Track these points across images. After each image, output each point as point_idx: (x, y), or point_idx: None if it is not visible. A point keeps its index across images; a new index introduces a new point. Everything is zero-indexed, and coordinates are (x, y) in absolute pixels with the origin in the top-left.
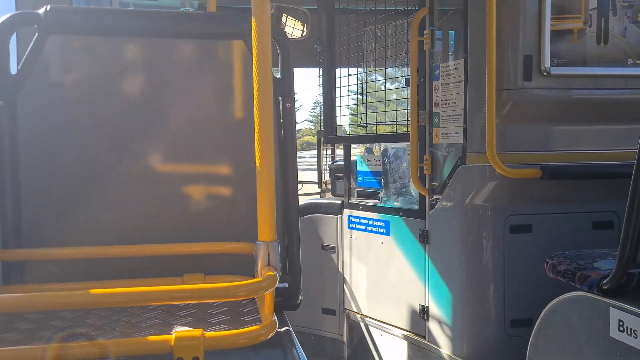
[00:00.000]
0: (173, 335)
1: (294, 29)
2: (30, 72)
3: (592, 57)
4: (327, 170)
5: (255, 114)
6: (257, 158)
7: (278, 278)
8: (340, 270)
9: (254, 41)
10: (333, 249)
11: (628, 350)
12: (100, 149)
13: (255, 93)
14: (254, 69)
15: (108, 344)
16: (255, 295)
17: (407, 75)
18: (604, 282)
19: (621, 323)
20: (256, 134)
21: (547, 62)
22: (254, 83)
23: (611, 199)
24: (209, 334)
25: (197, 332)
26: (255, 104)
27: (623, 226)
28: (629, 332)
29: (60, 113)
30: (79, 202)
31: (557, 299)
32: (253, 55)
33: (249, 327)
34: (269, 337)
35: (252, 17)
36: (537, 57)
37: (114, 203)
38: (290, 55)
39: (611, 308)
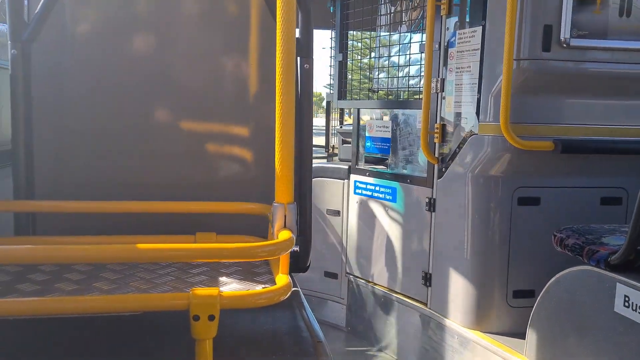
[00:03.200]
0: (190, 293)
1: None
2: (45, 21)
3: (614, 30)
4: (335, 134)
5: (277, 74)
6: (277, 119)
7: (295, 240)
8: (344, 234)
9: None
10: (338, 213)
11: (632, 325)
12: (114, 103)
13: (278, 53)
14: (277, 28)
15: (126, 299)
16: (273, 257)
17: (422, 41)
18: (613, 257)
19: (627, 299)
20: (277, 95)
21: (567, 33)
22: (277, 42)
23: (621, 175)
24: (225, 293)
25: (214, 290)
26: (277, 64)
27: (637, 202)
28: (634, 308)
29: (73, 64)
30: (91, 156)
31: (562, 272)
32: (277, 15)
33: (263, 287)
34: (284, 298)
35: None
36: (557, 27)
37: (125, 159)
38: (311, 14)
39: (617, 283)
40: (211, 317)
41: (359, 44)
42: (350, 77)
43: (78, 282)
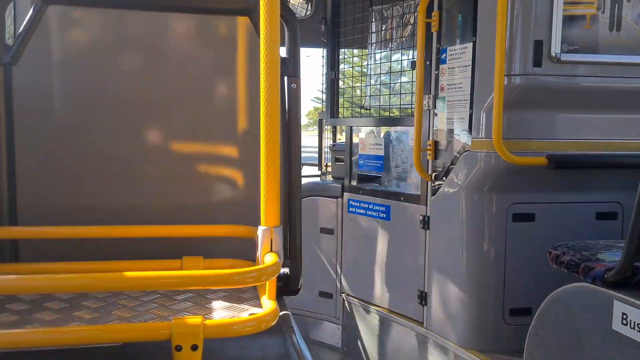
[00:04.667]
0: (172, 322)
1: (298, 7)
2: (27, 42)
3: (604, 44)
4: (327, 152)
5: (261, 95)
6: (262, 141)
7: (281, 264)
8: (338, 253)
9: (262, 18)
10: (332, 232)
11: (630, 343)
12: (98, 126)
13: (262, 73)
14: (261, 47)
15: (105, 330)
16: (259, 283)
17: (412, 58)
18: (609, 274)
19: (624, 316)
20: (262, 117)
21: (557, 48)
22: (261, 62)
23: (616, 190)
24: (209, 321)
25: (197, 319)
26: (262, 84)
27: (632, 218)
28: (632, 326)
29: (58, 87)
30: (75, 180)
31: (559, 290)
32: (261, 33)
33: (249, 314)
34: (270, 325)
35: None
36: (547, 42)
37: (111, 182)
38: (297, 33)
39: (615, 301)
40: (194, 347)
41: (350, 63)
42: (342, 96)
43: (59, 312)
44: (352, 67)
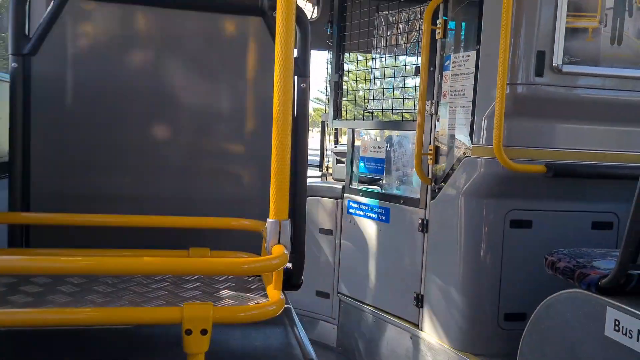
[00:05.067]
0: (183, 307)
1: (304, 9)
2: (46, 36)
3: (605, 57)
4: (329, 154)
5: (275, 94)
6: (273, 137)
7: (288, 257)
8: (336, 254)
9: (278, 19)
10: (331, 232)
11: (622, 349)
12: (111, 118)
13: (276, 73)
14: (276, 48)
15: (118, 312)
16: (267, 272)
17: (417, 64)
18: (603, 281)
19: (617, 322)
20: (275, 113)
21: (559, 59)
22: (276, 62)
23: (612, 200)
24: (219, 307)
25: (207, 305)
26: (275, 83)
27: (627, 227)
28: (624, 332)
29: (74, 78)
30: (88, 170)
31: (553, 295)
32: (277, 34)
33: (256, 303)
34: (277, 313)
35: None
36: (550, 53)
37: (122, 172)
38: (309, 35)
39: (608, 307)
40: (204, 332)
41: (355, 66)
42: (345, 98)
43: (71, 295)
44: (357, 70)
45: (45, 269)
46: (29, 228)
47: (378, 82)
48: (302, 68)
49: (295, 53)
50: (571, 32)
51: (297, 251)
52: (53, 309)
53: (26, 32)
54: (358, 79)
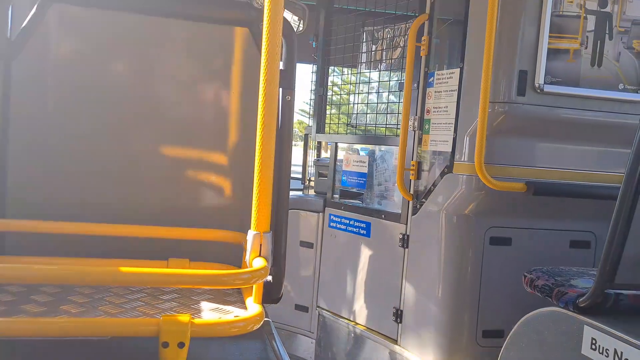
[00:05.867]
0: (160, 319)
1: (291, 22)
2: (29, 39)
3: (585, 79)
4: (311, 166)
5: (260, 105)
6: (257, 148)
7: (269, 269)
8: (316, 267)
9: (265, 30)
10: (311, 245)
11: None
12: (92, 125)
13: (261, 84)
14: (262, 60)
15: (94, 323)
16: (247, 285)
17: (401, 80)
18: (581, 299)
19: (594, 341)
20: (259, 125)
21: (541, 79)
22: (262, 73)
23: (590, 220)
24: (197, 320)
25: (185, 317)
26: (261, 95)
27: (604, 247)
28: (600, 351)
29: (55, 84)
30: (67, 177)
31: (531, 313)
32: (262, 46)
33: (235, 316)
34: (256, 327)
35: (265, 6)
36: (532, 73)
37: (102, 181)
38: (295, 47)
39: (585, 326)
40: (181, 345)
41: (340, 79)
42: (329, 112)
43: (45, 304)
44: (341, 84)
45: (19, 277)
46: (4, 235)
47: (362, 97)
48: (287, 80)
49: (281, 65)
50: (553, 53)
51: (278, 264)
52: (25, 319)
53: (8, 35)
54: (342, 93)
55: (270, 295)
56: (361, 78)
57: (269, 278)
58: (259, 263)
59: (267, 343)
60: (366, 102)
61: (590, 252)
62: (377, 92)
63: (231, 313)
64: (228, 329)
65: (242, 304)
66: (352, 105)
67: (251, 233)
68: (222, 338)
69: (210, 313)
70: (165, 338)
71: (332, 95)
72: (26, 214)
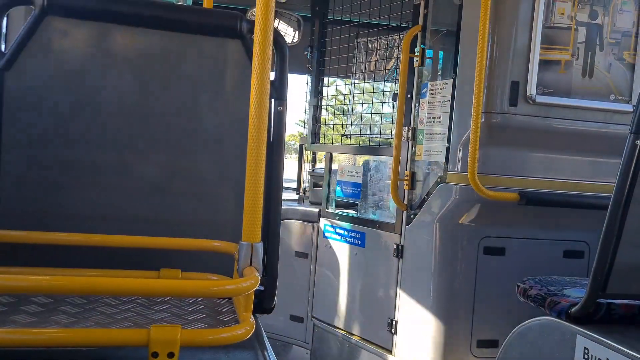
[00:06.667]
0: (150, 329)
1: (285, 34)
2: (22, 50)
3: (577, 89)
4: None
5: (250, 116)
6: (248, 158)
7: (260, 279)
8: (311, 278)
9: (256, 42)
10: (306, 256)
11: None
12: (85, 136)
13: (252, 95)
14: (252, 70)
15: (83, 333)
16: (237, 295)
17: (394, 90)
18: (573, 309)
19: (586, 351)
20: (250, 135)
21: (533, 89)
22: (252, 85)
23: (583, 229)
24: (187, 330)
25: (175, 327)
26: (251, 106)
27: (596, 257)
28: None
29: (48, 96)
30: (58, 187)
31: (525, 323)
32: (253, 57)
33: (226, 326)
34: (247, 337)
35: (256, 18)
36: (524, 84)
37: (94, 192)
38: (287, 58)
39: (577, 335)
40: (170, 355)
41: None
42: (324, 122)
43: (35, 315)
44: (336, 95)
45: (9, 288)
46: None
47: (356, 107)
48: (279, 91)
49: (272, 76)
50: (545, 64)
51: (271, 275)
52: (14, 329)
53: (2, 47)
54: (337, 103)
55: (263, 305)
56: (355, 89)
57: (262, 288)
58: (249, 273)
59: (259, 353)
60: (360, 112)
61: (584, 261)
62: (372, 103)
63: (222, 323)
64: (218, 338)
65: (233, 314)
66: (346, 115)
67: (242, 243)
68: (212, 348)
69: (201, 323)
70: (154, 348)
71: (327, 105)
72: (18, 225)
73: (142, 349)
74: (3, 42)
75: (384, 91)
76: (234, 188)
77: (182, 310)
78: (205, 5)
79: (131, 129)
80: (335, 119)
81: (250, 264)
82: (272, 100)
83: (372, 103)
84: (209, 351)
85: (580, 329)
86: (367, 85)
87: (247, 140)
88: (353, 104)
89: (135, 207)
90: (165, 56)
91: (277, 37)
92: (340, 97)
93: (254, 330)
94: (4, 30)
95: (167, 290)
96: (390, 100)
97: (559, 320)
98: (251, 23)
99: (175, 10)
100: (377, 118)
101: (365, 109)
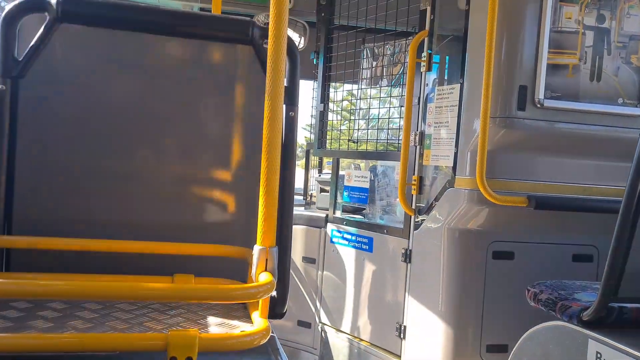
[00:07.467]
0: (168, 334)
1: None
2: (36, 58)
3: (585, 93)
4: (313, 182)
5: (265, 122)
6: (262, 164)
7: (275, 284)
8: (319, 283)
9: (270, 48)
10: (313, 261)
11: None
12: (98, 142)
13: (266, 101)
14: (267, 77)
15: (102, 338)
16: (255, 299)
17: (401, 95)
18: (585, 313)
19: (599, 355)
20: (264, 141)
21: (541, 94)
22: (267, 92)
23: (592, 233)
24: (205, 335)
25: (194, 332)
26: (265, 112)
27: (607, 261)
28: None
29: (62, 102)
30: (72, 194)
31: (535, 327)
32: (267, 64)
33: (241, 331)
34: (263, 342)
35: (270, 26)
36: (532, 88)
37: (107, 198)
38: (298, 64)
39: (590, 340)
40: (188, 359)
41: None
42: (330, 127)
43: (53, 320)
44: (342, 100)
45: (26, 293)
46: (10, 252)
47: (363, 113)
48: (291, 97)
49: (285, 82)
50: (552, 68)
51: (282, 280)
52: (33, 334)
53: (15, 54)
54: (344, 108)
55: (275, 310)
56: (361, 94)
57: (274, 293)
58: (264, 278)
59: (272, 358)
60: (367, 117)
61: (593, 265)
62: (379, 108)
63: (238, 328)
64: (236, 343)
65: (247, 319)
66: (353, 121)
67: (257, 248)
68: (228, 353)
69: (217, 328)
70: (173, 353)
71: (334, 110)
72: (32, 231)
73: (159, 354)
74: (17, 50)
75: (390, 96)
76: (247, 193)
77: (197, 315)
78: (214, 12)
79: (144, 136)
80: (342, 125)
81: (265, 269)
82: (284, 106)
83: (379, 108)
84: (223, 355)
85: (593, 333)
86: (373, 90)
87: (258, 145)
88: (360, 109)
89: (148, 213)
90: (177, 63)
91: (290, 43)
92: (347, 103)
93: (270, 334)
94: (17, 38)
95: (184, 295)
96: (398, 105)
97: (571, 325)
98: (262, 29)
99: (187, 18)
100: (384, 123)
101: (372, 114)
